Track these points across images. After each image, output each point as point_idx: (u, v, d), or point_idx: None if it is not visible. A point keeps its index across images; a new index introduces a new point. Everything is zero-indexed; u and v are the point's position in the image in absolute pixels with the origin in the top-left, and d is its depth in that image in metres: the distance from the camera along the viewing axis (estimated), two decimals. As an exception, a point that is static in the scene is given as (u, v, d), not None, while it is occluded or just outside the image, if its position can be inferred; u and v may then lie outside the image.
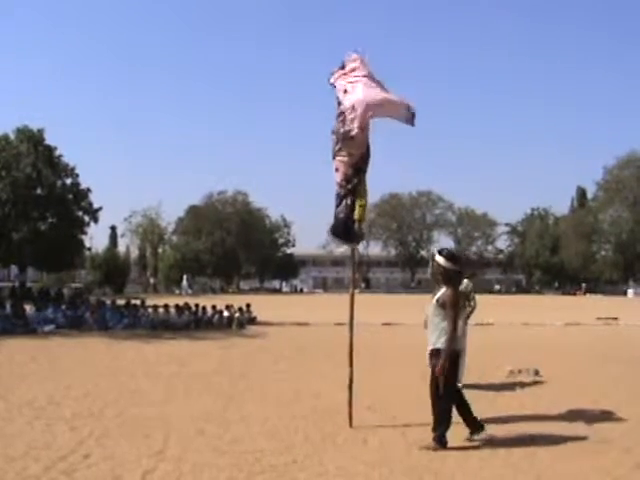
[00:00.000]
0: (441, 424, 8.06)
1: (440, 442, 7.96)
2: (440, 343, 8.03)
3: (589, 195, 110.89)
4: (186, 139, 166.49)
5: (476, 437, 8.29)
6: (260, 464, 7.26)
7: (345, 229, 9.49)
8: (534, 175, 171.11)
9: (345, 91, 9.37)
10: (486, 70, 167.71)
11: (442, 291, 8.18)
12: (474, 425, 8.38)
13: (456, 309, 8.07)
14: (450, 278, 8.19)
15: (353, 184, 9.27)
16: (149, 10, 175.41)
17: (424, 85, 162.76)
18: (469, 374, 12.86)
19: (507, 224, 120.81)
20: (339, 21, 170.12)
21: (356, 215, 9.35)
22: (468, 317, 12.82)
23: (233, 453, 7.68)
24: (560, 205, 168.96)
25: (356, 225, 9.44)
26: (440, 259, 8.20)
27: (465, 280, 13.09)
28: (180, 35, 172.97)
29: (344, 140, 9.20)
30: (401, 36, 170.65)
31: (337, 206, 9.44)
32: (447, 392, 8.04)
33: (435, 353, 8.12)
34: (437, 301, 8.16)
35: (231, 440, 8.30)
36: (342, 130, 9.20)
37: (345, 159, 9.28)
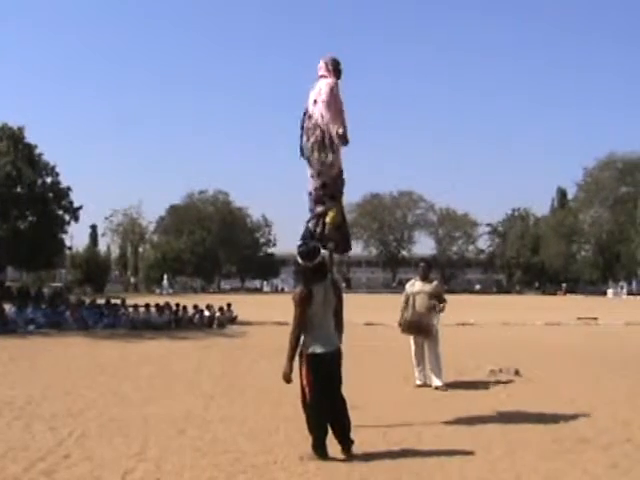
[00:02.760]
0: (311, 434, 7.69)
1: (316, 450, 7.59)
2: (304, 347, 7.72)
3: (569, 196, 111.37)
4: (167, 138, 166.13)
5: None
6: (241, 464, 7.25)
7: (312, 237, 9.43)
8: (515, 176, 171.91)
9: (315, 101, 9.33)
10: (468, 70, 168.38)
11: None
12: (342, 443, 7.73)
13: (300, 307, 7.63)
14: (301, 274, 7.94)
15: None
16: (129, 7, 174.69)
17: (407, 85, 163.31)
18: (450, 373, 12.94)
19: (488, 224, 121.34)
20: (318, 22, 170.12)
21: (328, 218, 9.29)
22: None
23: (214, 453, 7.67)
24: (540, 206, 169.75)
25: (327, 228, 9.36)
26: (297, 255, 7.89)
27: (435, 281, 13.24)
28: (163, 34, 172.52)
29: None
30: (376, 34, 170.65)
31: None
32: (312, 401, 7.61)
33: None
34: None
35: (212, 440, 8.29)
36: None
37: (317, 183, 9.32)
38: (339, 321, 8.02)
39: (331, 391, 7.66)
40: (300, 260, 7.78)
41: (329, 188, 9.34)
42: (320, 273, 7.83)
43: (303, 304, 7.61)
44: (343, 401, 7.79)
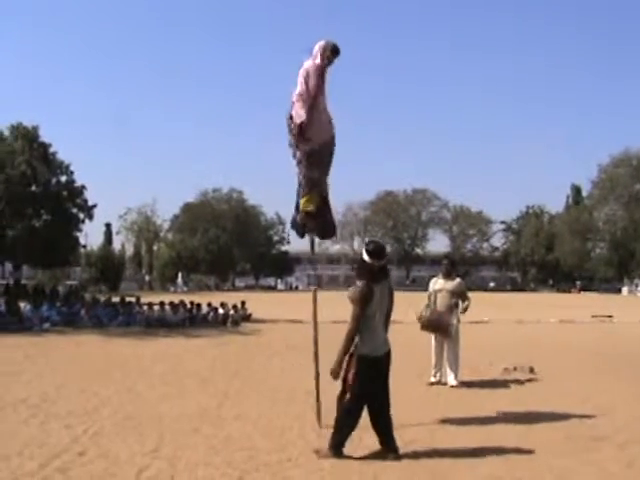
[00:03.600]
0: (338, 432, 7.60)
1: (335, 449, 7.54)
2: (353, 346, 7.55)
3: (584, 193, 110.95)
4: (181, 136, 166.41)
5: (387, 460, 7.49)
6: (254, 462, 7.26)
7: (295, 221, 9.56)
8: (529, 173, 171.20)
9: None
10: (483, 69, 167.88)
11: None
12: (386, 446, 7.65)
13: (361, 306, 7.43)
14: (364, 272, 7.63)
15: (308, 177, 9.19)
16: (143, 8, 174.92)
17: (422, 83, 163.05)
18: (464, 371, 12.90)
19: (502, 222, 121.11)
20: (325, 19, 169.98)
21: (301, 205, 9.29)
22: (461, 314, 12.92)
23: (228, 451, 7.68)
24: (555, 203, 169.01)
25: (299, 216, 9.43)
26: (363, 251, 7.74)
27: (457, 279, 13.15)
28: (173, 33, 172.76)
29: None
30: (397, 35, 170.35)
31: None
32: (349, 403, 7.54)
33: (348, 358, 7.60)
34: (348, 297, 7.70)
35: (225, 438, 8.30)
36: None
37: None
38: (387, 322, 7.91)
39: (377, 393, 7.58)
40: (368, 258, 7.59)
41: (307, 177, 9.23)
42: (384, 273, 7.76)
43: (364, 303, 7.44)
44: (389, 404, 7.73)
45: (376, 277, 7.57)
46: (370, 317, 7.51)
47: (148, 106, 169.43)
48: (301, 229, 9.62)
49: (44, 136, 54.24)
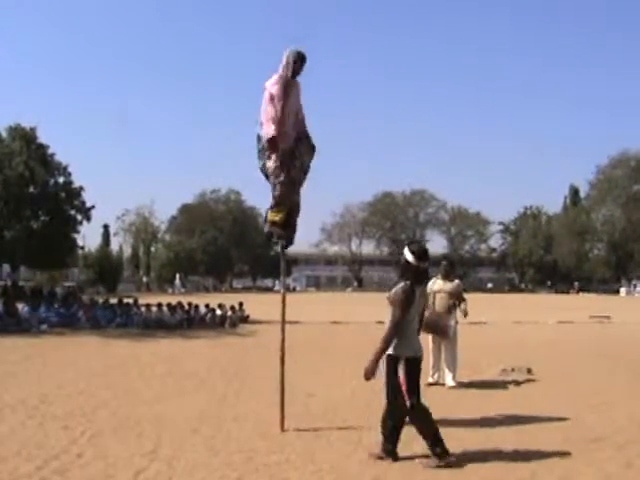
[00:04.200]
0: (387, 438, 7.55)
1: (389, 454, 7.49)
2: (391, 349, 7.45)
3: (582, 194, 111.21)
4: (179, 137, 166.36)
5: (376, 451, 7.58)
6: (253, 463, 7.25)
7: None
8: (527, 174, 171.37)
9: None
10: (481, 68, 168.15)
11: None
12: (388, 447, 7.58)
13: (403, 308, 7.32)
14: (408, 273, 7.48)
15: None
16: (143, 8, 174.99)
17: (419, 82, 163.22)
18: (462, 372, 12.91)
19: (500, 223, 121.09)
20: (336, 20, 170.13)
21: (269, 216, 9.52)
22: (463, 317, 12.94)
23: (226, 452, 7.67)
24: (553, 204, 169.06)
25: (266, 227, 9.68)
26: (406, 251, 7.55)
27: (456, 280, 13.16)
28: (173, 33, 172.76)
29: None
30: (397, 33, 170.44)
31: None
32: (411, 406, 7.39)
33: (387, 359, 7.52)
34: (387, 298, 7.60)
35: (224, 439, 8.29)
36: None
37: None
38: (419, 325, 7.81)
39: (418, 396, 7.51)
40: (413, 259, 7.44)
41: (279, 193, 9.32)
42: (426, 275, 7.71)
43: (407, 306, 7.34)
44: None
45: (419, 279, 7.52)
46: (410, 320, 7.46)
47: (147, 107, 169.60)
48: (269, 237, 9.87)
49: (42, 137, 54.29)
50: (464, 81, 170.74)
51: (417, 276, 7.47)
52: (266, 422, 9.16)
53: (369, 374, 7.43)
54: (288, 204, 9.39)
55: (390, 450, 7.49)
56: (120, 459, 7.35)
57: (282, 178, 9.15)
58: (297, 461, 7.37)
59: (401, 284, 7.47)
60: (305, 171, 9.44)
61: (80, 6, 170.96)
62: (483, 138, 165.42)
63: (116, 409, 10.11)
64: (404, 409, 7.42)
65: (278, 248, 10.12)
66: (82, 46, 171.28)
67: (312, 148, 9.45)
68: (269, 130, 8.95)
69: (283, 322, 10.00)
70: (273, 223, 9.45)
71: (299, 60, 8.95)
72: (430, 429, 7.45)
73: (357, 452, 7.73)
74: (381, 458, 7.45)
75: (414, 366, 7.44)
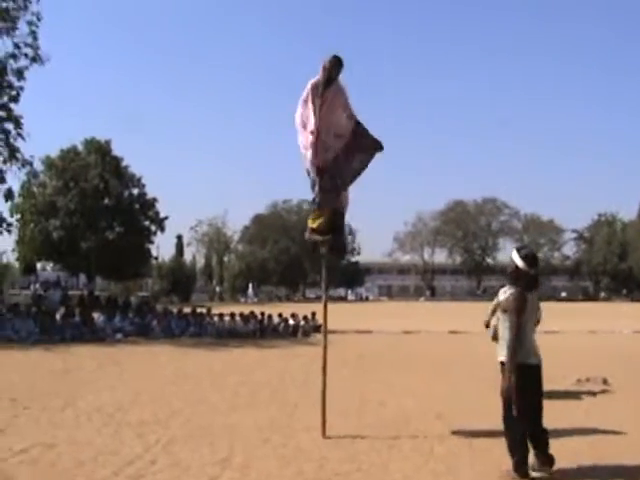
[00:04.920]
0: (513, 452, 7.26)
1: (518, 470, 7.12)
2: (503, 355, 7.35)
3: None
4: (252, 148, 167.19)
5: (535, 472, 7.31)
6: (325, 472, 7.25)
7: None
8: (601, 180, 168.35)
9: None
10: (554, 75, 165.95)
11: (507, 293, 7.47)
12: (541, 458, 7.40)
13: (519, 314, 7.17)
14: (519, 279, 7.34)
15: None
16: (223, 18, 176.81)
17: (492, 92, 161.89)
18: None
19: (574, 230, 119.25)
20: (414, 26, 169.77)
21: (309, 222, 9.71)
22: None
23: (298, 461, 7.67)
24: (628, 211, 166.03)
25: (306, 234, 9.80)
26: (515, 256, 7.40)
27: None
28: (247, 47, 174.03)
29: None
30: (471, 44, 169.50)
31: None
32: (518, 416, 7.14)
33: (501, 367, 7.41)
34: (500, 305, 7.55)
35: (296, 448, 8.30)
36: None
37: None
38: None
39: (536, 405, 7.32)
40: (524, 265, 7.32)
41: (320, 199, 9.41)
42: (537, 281, 7.53)
43: (521, 311, 7.23)
44: (542, 417, 7.40)
45: (530, 285, 7.38)
46: (524, 325, 7.31)
47: (220, 119, 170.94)
48: (313, 247, 10.03)
49: (116, 150, 55.22)
50: (537, 89, 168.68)
51: (528, 282, 7.36)
52: (337, 431, 9.14)
53: (510, 391, 7.16)
54: (329, 210, 9.48)
55: (517, 464, 7.17)
56: (193, 467, 7.41)
57: (321, 184, 9.26)
58: (369, 471, 7.35)
59: (512, 291, 7.39)
60: (358, 171, 9.44)
61: (157, 19, 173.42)
62: (556, 144, 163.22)
63: (189, 417, 10.21)
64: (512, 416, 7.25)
65: (323, 255, 10.07)
66: (151, 62, 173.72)
67: (372, 146, 9.42)
68: (302, 140, 9.22)
69: (325, 333, 10.14)
70: (312, 230, 9.58)
71: (334, 64, 8.99)
72: (520, 446, 7.22)
73: (429, 463, 7.67)
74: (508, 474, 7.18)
75: (525, 373, 7.19)
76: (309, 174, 9.39)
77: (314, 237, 9.64)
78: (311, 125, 9.01)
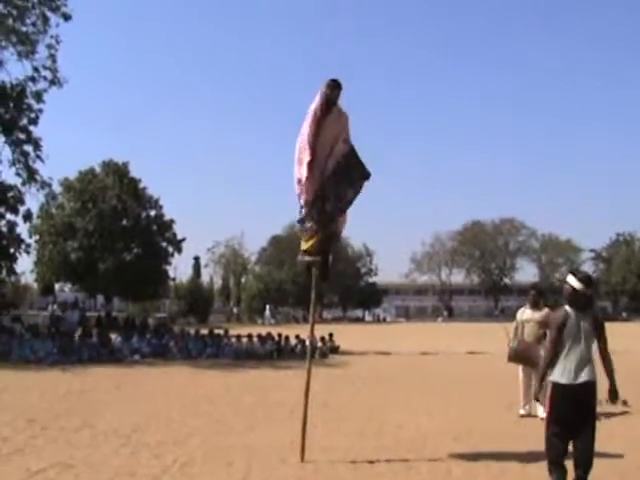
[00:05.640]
0: (550, 471, 7.31)
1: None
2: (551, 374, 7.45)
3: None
4: (268, 169, 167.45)
5: None
6: (342, 493, 7.23)
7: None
8: (619, 200, 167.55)
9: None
10: (571, 93, 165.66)
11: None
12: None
13: (556, 332, 7.37)
14: (577, 301, 7.50)
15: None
16: (236, 32, 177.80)
17: (510, 112, 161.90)
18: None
19: (592, 250, 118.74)
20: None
21: (301, 245, 9.80)
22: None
23: (315, 482, 7.66)
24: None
25: (299, 256, 9.98)
26: (572, 279, 7.57)
27: (545, 309, 12.96)
28: (266, 66, 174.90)
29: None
30: (497, 64, 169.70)
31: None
32: (546, 433, 7.35)
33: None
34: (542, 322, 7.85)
35: (313, 470, 8.29)
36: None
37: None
38: (603, 353, 7.70)
39: (569, 423, 7.25)
40: (582, 287, 7.48)
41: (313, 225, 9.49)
42: (589, 301, 7.67)
43: (557, 328, 7.40)
44: (588, 439, 7.28)
45: (578, 304, 7.48)
46: (565, 345, 7.39)
47: (237, 139, 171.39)
48: (306, 267, 10.07)
49: (134, 172, 55.55)
50: (554, 108, 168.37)
51: (584, 303, 7.54)
52: (355, 453, 9.12)
53: (535, 394, 8.12)
54: (323, 233, 9.52)
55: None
56: (210, 488, 7.40)
57: (315, 211, 9.36)
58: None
59: (558, 308, 7.73)
60: (350, 200, 9.49)
61: (172, 35, 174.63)
62: (572, 163, 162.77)
63: (207, 438, 10.19)
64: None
65: (312, 277, 10.06)
66: (170, 82, 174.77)
67: (360, 176, 9.49)
68: (301, 172, 9.31)
69: (310, 355, 9.98)
70: (304, 251, 9.69)
71: (332, 88, 9.11)
72: (549, 460, 7.29)
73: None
74: None
75: (558, 392, 7.27)
76: (299, 197, 9.47)
77: (305, 258, 9.75)
78: (307, 156, 9.11)
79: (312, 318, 10.22)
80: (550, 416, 7.29)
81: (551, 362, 7.37)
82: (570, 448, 7.26)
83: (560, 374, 7.28)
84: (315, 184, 9.19)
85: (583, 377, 7.32)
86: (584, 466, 7.15)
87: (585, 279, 7.56)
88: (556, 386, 7.27)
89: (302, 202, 9.39)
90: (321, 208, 9.27)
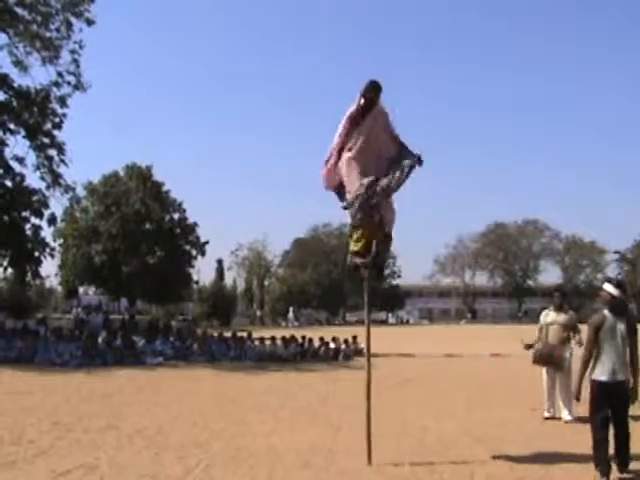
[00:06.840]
0: (594, 457, 8.09)
1: (598, 471, 7.92)
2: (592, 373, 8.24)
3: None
4: (291, 172, 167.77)
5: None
6: (366, 496, 7.22)
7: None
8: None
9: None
10: (593, 97, 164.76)
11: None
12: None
13: (592, 333, 8.16)
14: (616, 306, 8.23)
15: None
16: (260, 39, 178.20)
17: (534, 113, 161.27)
18: (580, 406, 12.56)
19: (616, 251, 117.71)
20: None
21: (350, 246, 9.73)
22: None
23: (338, 485, 7.65)
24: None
25: (349, 258, 9.87)
26: (609, 287, 8.29)
27: (570, 311, 12.90)
28: (289, 69, 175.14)
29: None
30: (525, 71, 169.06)
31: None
32: (591, 426, 8.23)
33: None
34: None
35: (337, 472, 8.28)
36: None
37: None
38: (633, 355, 8.20)
39: (608, 417, 8.14)
40: (619, 293, 8.24)
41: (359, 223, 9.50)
42: (624, 305, 8.35)
43: (594, 329, 8.19)
44: (626, 429, 8.34)
45: (614, 308, 8.22)
46: (603, 345, 8.17)
47: (259, 144, 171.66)
48: (355, 269, 9.87)
49: (157, 175, 55.69)
50: (579, 112, 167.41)
51: (612, 305, 8.26)
52: (379, 455, 9.09)
53: (576, 393, 8.43)
54: (369, 232, 9.47)
55: (596, 468, 7.98)
56: (234, 490, 7.41)
57: (358, 206, 9.32)
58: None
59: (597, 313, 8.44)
60: (398, 183, 9.40)
61: (200, 42, 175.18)
62: (596, 164, 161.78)
63: (229, 440, 10.21)
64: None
65: (364, 278, 9.99)
66: (195, 87, 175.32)
67: (408, 165, 9.40)
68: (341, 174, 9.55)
69: (368, 357, 9.96)
70: (355, 253, 9.58)
71: (371, 90, 9.12)
72: (595, 451, 8.06)
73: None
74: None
75: (597, 388, 8.12)
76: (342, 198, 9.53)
77: (355, 260, 9.61)
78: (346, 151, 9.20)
79: (367, 319, 10.19)
80: (593, 409, 8.14)
81: (587, 362, 8.19)
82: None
83: (600, 372, 8.10)
84: (357, 178, 9.29)
85: (620, 376, 8.12)
86: (625, 452, 8.18)
87: (622, 286, 8.31)
88: (597, 383, 8.10)
89: (347, 190, 9.48)
90: (365, 204, 9.27)
